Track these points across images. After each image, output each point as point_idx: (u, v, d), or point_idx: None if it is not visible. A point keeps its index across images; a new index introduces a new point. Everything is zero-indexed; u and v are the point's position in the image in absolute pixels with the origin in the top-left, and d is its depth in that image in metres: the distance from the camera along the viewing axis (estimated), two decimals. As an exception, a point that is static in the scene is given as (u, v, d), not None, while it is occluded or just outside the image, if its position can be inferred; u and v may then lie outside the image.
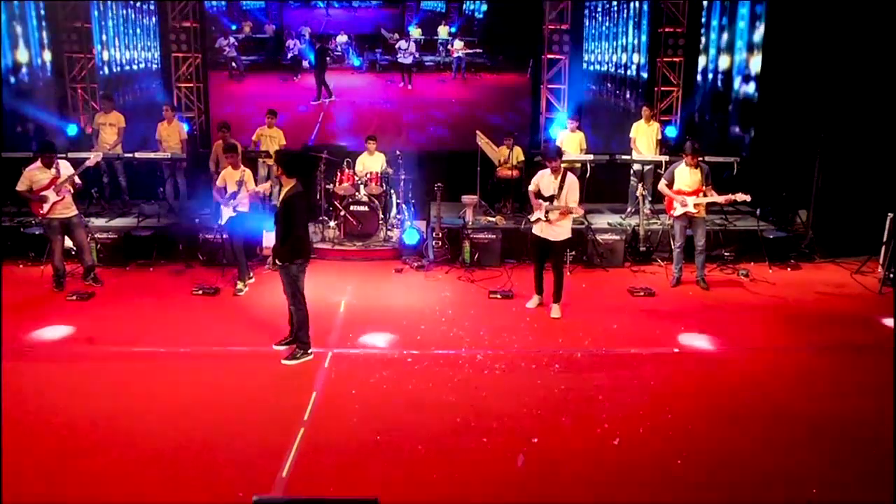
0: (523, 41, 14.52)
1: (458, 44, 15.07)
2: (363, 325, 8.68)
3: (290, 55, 15.13)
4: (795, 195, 12.15)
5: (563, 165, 8.88)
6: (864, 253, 11.13)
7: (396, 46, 15.13)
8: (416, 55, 15.18)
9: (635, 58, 14.94)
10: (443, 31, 15.14)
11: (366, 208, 11.59)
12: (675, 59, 13.93)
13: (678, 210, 9.91)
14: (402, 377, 7.31)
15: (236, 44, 14.94)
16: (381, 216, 11.75)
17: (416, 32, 15.07)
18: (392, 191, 12.29)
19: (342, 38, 15.22)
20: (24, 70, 13.77)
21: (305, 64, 15.20)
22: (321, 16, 15.14)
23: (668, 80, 14.05)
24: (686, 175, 9.87)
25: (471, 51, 14.96)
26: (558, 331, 8.56)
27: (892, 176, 11.08)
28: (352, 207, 11.58)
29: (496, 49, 14.84)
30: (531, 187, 8.98)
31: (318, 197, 12.03)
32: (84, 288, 9.87)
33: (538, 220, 8.84)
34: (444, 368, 7.51)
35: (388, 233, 11.96)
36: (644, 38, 14.48)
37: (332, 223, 11.85)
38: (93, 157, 10.01)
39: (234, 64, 15.04)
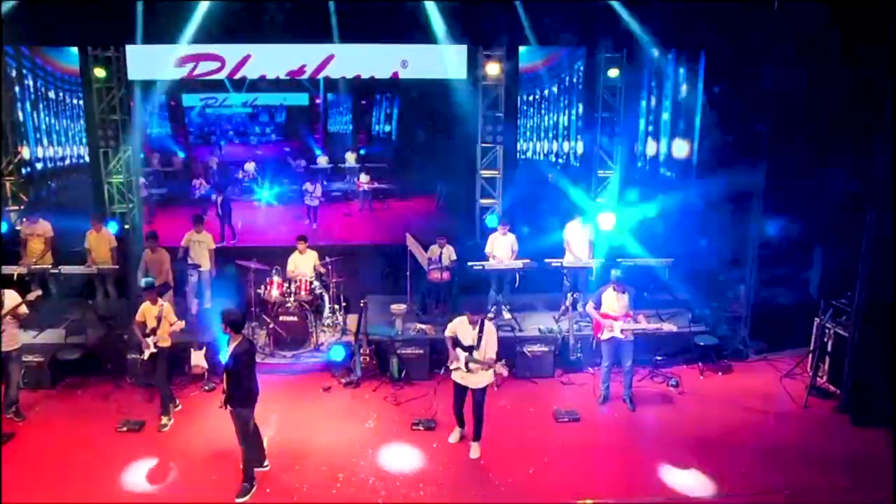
0: (433, 160, 14.41)
1: (364, 177, 15.20)
2: (280, 474, 8.60)
3: (197, 194, 14.90)
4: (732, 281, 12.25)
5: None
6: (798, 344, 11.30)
7: (303, 189, 15.10)
8: (322, 199, 15.10)
9: (567, 146, 14.97)
10: (350, 158, 15.18)
11: (295, 318, 11.52)
12: (611, 147, 13.96)
13: (605, 333, 9.94)
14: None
15: (146, 182, 14.71)
16: (312, 323, 11.68)
17: (322, 161, 15.03)
18: (324, 293, 12.21)
19: (250, 167, 15.11)
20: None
21: (214, 197, 14.99)
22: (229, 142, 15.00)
23: (607, 166, 14.07)
24: (613, 300, 9.91)
25: (378, 185, 14.89)
26: (475, 478, 8.56)
27: (823, 265, 11.22)
28: (281, 318, 11.51)
29: (405, 171, 14.75)
30: (448, 332, 8.92)
31: (248, 304, 11.94)
32: (4, 425, 9.60)
33: (457, 368, 8.81)
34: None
35: (321, 337, 11.88)
36: (576, 127, 14.53)
37: (261, 331, 11.76)
38: (32, 295, 9.92)
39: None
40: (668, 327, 10.06)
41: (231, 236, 15.13)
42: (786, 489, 8.29)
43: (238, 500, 8.07)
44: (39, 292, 10.20)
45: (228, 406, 8.00)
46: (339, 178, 15.18)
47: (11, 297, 9.54)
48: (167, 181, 14.63)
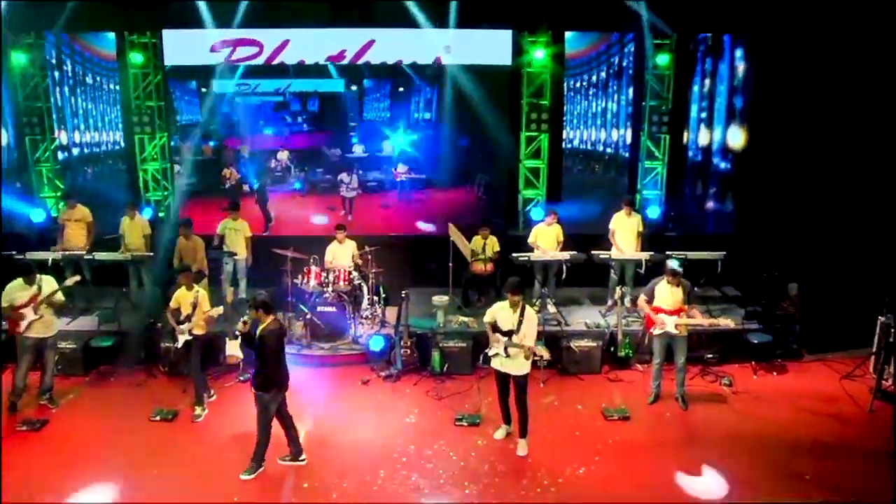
0: (474, 149, 14.09)
1: (402, 167, 14.57)
2: (319, 468, 8.26)
3: (227, 184, 14.55)
4: (784, 278, 11.73)
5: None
6: (855, 344, 10.69)
7: (339, 179, 14.68)
8: (359, 190, 14.69)
9: (615, 134, 14.47)
10: (387, 147, 14.61)
11: (333, 308, 11.20)
12: (659, 135, 13.46)
13: (658, 329, 9.47)
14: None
15: (181, 171, 14.40)
16: (351, 315, 11.36)
17: (358, 149, 14.56)
18: (363, 284, 11.88)
19: (283, 156, 14.68)
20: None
21: (246, 188, 14.68)
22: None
23: (654, 156, 13.57)
24: (667, 293, 9.41)
25: (416, 175, 14.41)
26: (523, 476, 8.12)
27: (887, 260, 10.63)
28: (319, 308, 11.20)
29: (444, 160, 14.25)
30: (487, 318, 8.53)
31: (284, 294, 11.66)
32: (37, 411, 9.53)
33: (497, 354, 8.42)
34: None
35: (359, 329, 11.54)
36: (626, 113, 14.03)
37: (298, 322, 11.48)
38: (70, 280, 9.77)
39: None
40: (725, 323, 9.53)
41: (266, 221, 14.79)
42: (854, 497, 7.75)
43: (242, 477, 7.97)
44: (77, 277, 9.99)
45: (252, 389, 7.89)
46: (375, 168, 14.66)
47: (49, 283, 9.38)
48: (197, 171, 14.26)
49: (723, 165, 13.52)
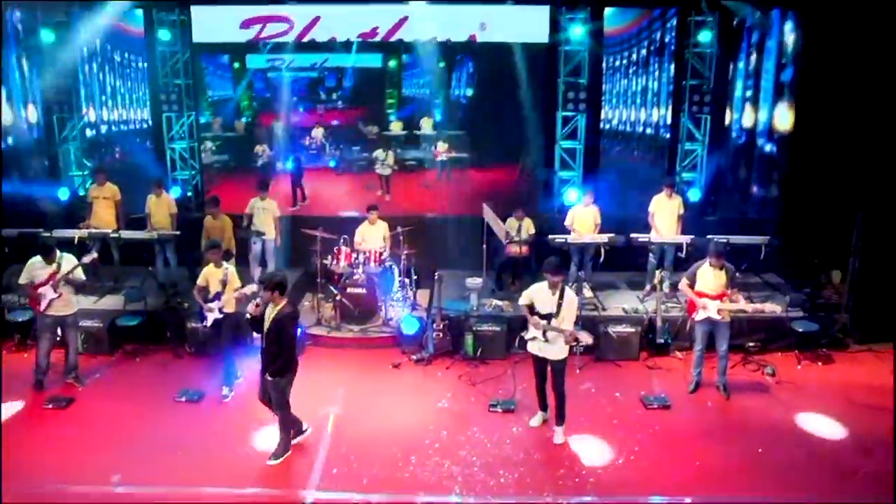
0: (516, 128, 13.58)
1: (441, 146, 14.11)
2: (349, 454, 7.99)
3: (260, 161, 14.20)
4: (828, 263, 11.30)
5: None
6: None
7: (374, 156, 14.21)
8: (395, 168, 14.23)
9: (655, 114, 14.01)
10: (426, 125, 14.17)
11: (363, 290, 10.96)
12: (700, 115, 13.03)
13: (700, 314, 9.08)
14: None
15: (214, 148, 14.09)
16: (381, 296, 11.10)
17: (396, 126, 14.11)
18: (394, 266, 11.61)
19: (318, 133, 14.28)
20: (9, 132, 13.29)
21: (279, 166, 14.27)
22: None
23: (693, 138, 13.14)
24: (709, 277, 9.01)
25: (456, 154, 13.93)
26: (560, 465, 7.80)
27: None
28: (349, 289, 10.95)
29: (484, 139, 13.78)
30: (523, 300, 8.19)
31: (315, 275, 11.42)
32: (63, 389, 9.41)
33: (534, 338, 8.09)
34: (429, 526, 6.85)
35: (390, 311, 11.27)
36: (668, 92, 13.56)
37: (327, 303, 11.22)
38: (88, 257, 9.44)
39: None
40: (771, 308, 9.09)
41: (301, 197, 14.59)
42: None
43: (269, 463, 7.73)
44: (95, 255, 9.72)
45: (268, 375, 7.58)
46: (414, 146, 14.25)
47: (69, 261, 9.19)
48: (229, 147, 13.98)
49: (768, 148, 13.02)
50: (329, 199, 14.26)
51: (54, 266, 9.05)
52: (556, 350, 8.02)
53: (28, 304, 9.42)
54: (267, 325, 7.50)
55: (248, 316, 7.64)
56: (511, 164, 13.91)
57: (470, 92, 13.97)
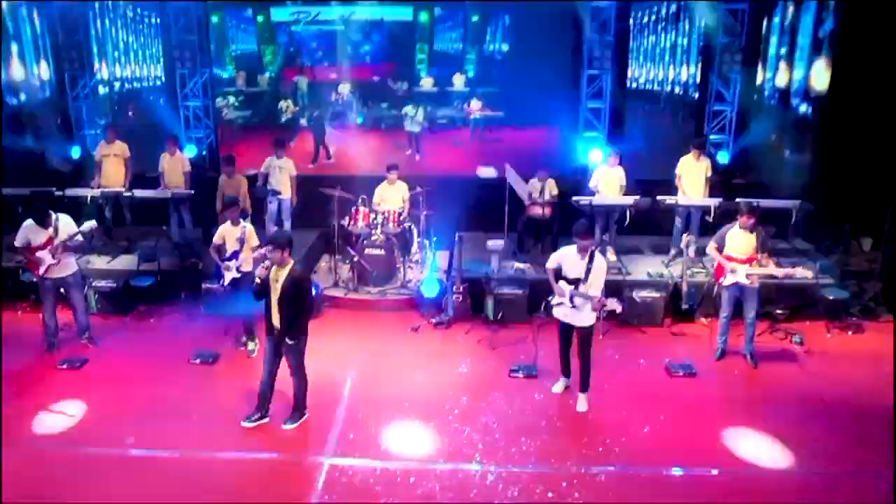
0: (551, 85, 13.00)
1: (475, 103, 13.47)
2: (366, 419, 7.81)
3: (284, 118, 13.76)
4: (859, 229, 10.93)
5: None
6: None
7: (403, 112, 13.66)
8: (425, 125, 13.67)
9: (685, 73, 13.51)
10: (458, 81, 13.54)
11: (381, 251, 10.72)
12: (730, 74, 12.57)
13: (728, 279, 8.76)
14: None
15: (236, 104, 13.64)
16: (400, 258, 10.86)
17: (427, 83, 13.52)
18: (413, 227, 11.35)
19: (345, 89, 13.72)
20: (21, 88, 13.05)
21: (303, 122, 13.80)
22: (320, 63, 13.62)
23: (722, 98, 12.69)
24: (739, 240, 8.67)
25: (490, 113, 13.35)
26: (583, 433, 7.59)
27: None
28: (366, 251, 10.72)
29: (519, 97, 13.20)
30: (551, 264, 7.89)
31: (332, 236, 11.21)
32: (77, 350, 9.28)
33: (560, 304, 7.82)
34: (448, 493, 6.62)
35: (408, 273, 11.05)
36: (696, 50, 13.07)
37: (344, 264, 11.01)
38: (86, 226, 9.02)
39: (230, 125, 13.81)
40: (803, 274, 8.74)
41: (325, 156, 14.21)
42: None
43: (285, 427, 7.57)
44: (94, 223, 9.21)
45: (288, 339, 7.30)
46: (446, 104, 13.71)
47: (66, 225, 8.91)
48: (252, 103, 13.61)
49: (803, 108, 12.54)
50: (354, 157, 13.85)
51: (50, 231, 8.77)
52: (583, 317, 7.76)
53: (26, 267, 9.13)
54: (280, 285, 7.17)
55: (257, 281, 7.27)
56: (546, 125, 13.37)
57: (505, 47, 13.33)
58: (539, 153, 13.13)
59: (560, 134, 13.42)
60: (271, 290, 7.22)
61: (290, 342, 7.32)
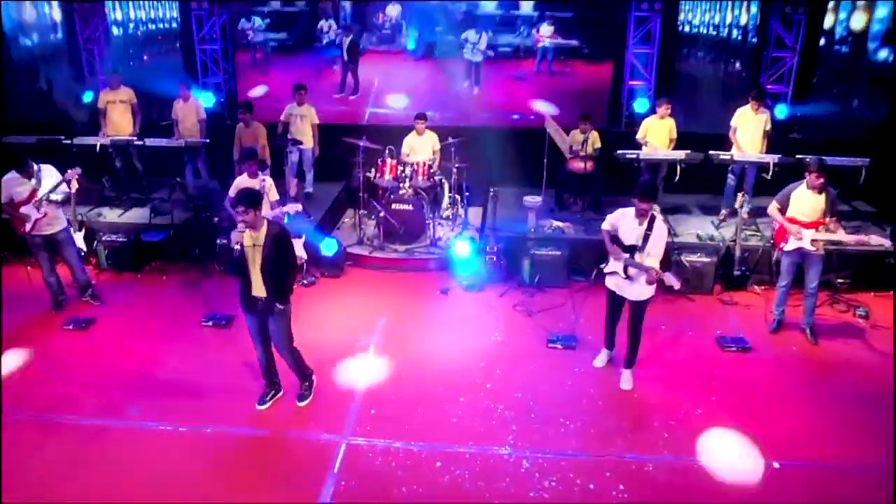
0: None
1: (546, 29, 12.11)
2: (390, 393, 7.20)
3: (324, 40, 12.75)
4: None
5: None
6: None
7: (463, 37, 12.53)
8: (488, 53, 12.54)
9: (743, 17, 12.40)
10: (526, 5, 12.22)
11: (409, 206, 10.05)
12: (793, 17, 11.49)
13: (791, 244, 7.91)
14: (426, 493, 5.88)
15: (263, 26, 12.62)
16: (429, 214, 10.16)
17: (490, 4, 12.25)
18: (443, 180, 10.61)
19: (393, 11, 12.53)
20: (32, 30, 12.40)
21: (341, 40, 12.74)
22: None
23: (783, 44, 11.64)
24: (806, 200, 7.79)
25: (563, 40, 12.13)
26: (627, 415, 6.88)
27: None
28: (393, 206, 10.03)
29: (595, 23, 11.85)
30: (606, 225, 7.09)
31: (357, 189, 10.55)
32: (82, 309, 8.80)
33: (613, 272, 7.05)
34: (478, 482, 5.98)
35: (438, 231, 10.34)
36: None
37: (370, 220, 10.34)
38: (72, 172, 8.29)
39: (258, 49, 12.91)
40: (878, 242, 7.87)
41: (353, 89, 13.20)
42: None
43: (300, 404, 6.99)
44: (79, 170, 8.42)
45: (278, 306, 6.52)
46: (510, 30, 12.40)
47: (50, 175, 8.29)
48: (287, 23, 12.58)
49: (882, 54, 11.35)
50: (401, 89, 12.99)
51: (33, 182, 8.17)
52: (636, 290, 6.97)
53: (12, 224, 8.44)
54: (261, 248, 6.35)
55: (235, 248, 6.34)
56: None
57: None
58: (605, 93, 12.30)
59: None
60: (248, 258, 6.42)
61: (280, 307, 6.57)
